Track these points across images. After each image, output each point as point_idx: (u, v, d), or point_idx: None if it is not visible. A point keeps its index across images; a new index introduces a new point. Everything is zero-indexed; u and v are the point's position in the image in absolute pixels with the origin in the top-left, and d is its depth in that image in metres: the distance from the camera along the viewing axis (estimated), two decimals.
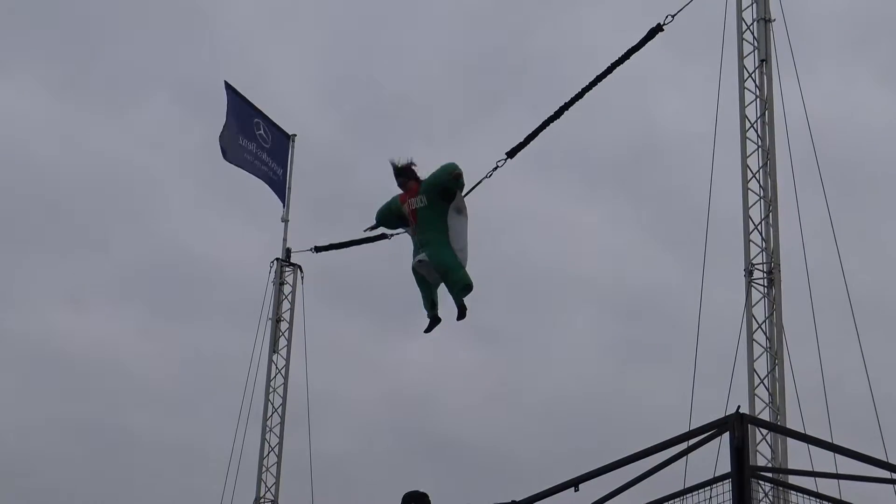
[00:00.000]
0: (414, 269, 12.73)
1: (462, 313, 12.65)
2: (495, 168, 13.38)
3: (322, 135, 33.30)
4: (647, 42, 14.71)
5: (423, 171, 12.85)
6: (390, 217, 13.04)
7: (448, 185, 12.40)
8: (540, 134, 13.90)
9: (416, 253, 12.65)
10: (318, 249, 20.85)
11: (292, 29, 37.55)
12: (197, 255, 34.64)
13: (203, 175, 34.01)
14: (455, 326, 33.60)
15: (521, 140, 13.94)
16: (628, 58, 14.67)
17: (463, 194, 12.61)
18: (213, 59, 35.27)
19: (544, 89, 35.20)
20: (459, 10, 36.53)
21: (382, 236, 14.95)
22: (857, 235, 29.32)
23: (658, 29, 14.88)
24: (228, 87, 21.42)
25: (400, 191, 12.94)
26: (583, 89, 14.37)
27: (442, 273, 12.50)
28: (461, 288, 12.49)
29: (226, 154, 21.10)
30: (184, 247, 34.83)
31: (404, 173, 12.63)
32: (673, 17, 14.85)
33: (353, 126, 36.22)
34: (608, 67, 14.56)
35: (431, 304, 12.88)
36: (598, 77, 14.45)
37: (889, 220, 33.12)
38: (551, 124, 14.31)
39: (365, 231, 13.70)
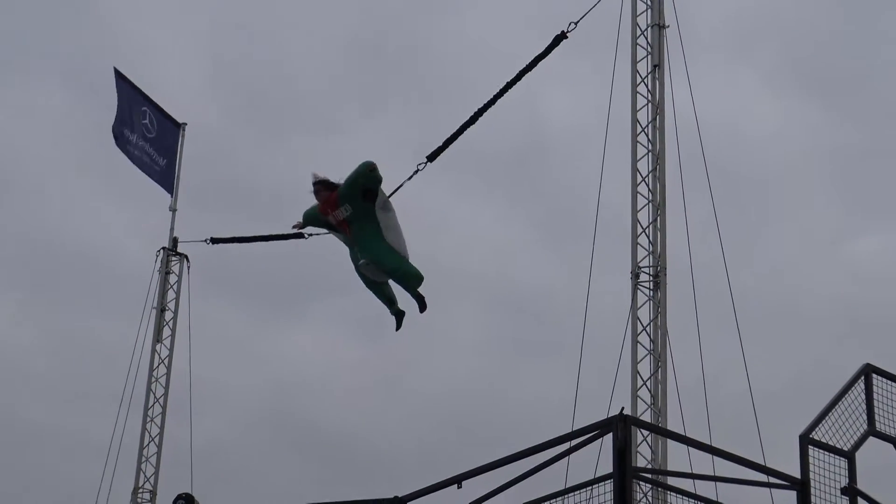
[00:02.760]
0: (360, 274, 12.70)
1: (422, 304, 12.64)
2: (416, 171, 13.35)
3: (207, 122, 33.03)
4: (552, 49, 14.82)
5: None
6: (317, 221, 13.01)
7: (367, 183, 12.32)
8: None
9: (355, 258, 12.62)
10: (214, 241, 20.59)
11: (178, 13, 37.18)
12: (80, 241, 34.23)
13: (88, 160, 33.54)
14: (338, 319, 33.46)
15: (440, 144, 13.97)
16: (536, 65, 14.76)
17: (388, 196, 12.57)
18: (101, 40, 34.92)
19: (429, 80, 35.39)
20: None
21: (298, 235, 14.88)
22: (742, 238, 29.78)
23: (562, 36, 14.96)
24: (118, 73, 21.15)
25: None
26: (495, 95, 14.45)
27: (389, 272, 12.53)
28: (412, 280, 12.49)
29: (117, 141, 20.90)
30: (65, 233, 34.40)
31: (320, 184, 12.54)
32: (576, 24, 14.92)
33: (238, 113, 36.04)
34: (517, 74, 14.65)
35: (389, 302, 12.90)
36: (508, 83, 14.54)
37: (772, 222, 33.67)
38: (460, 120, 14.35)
39: (293, 228, 13.58)
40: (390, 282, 12.80)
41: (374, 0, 36.22)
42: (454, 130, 14.18)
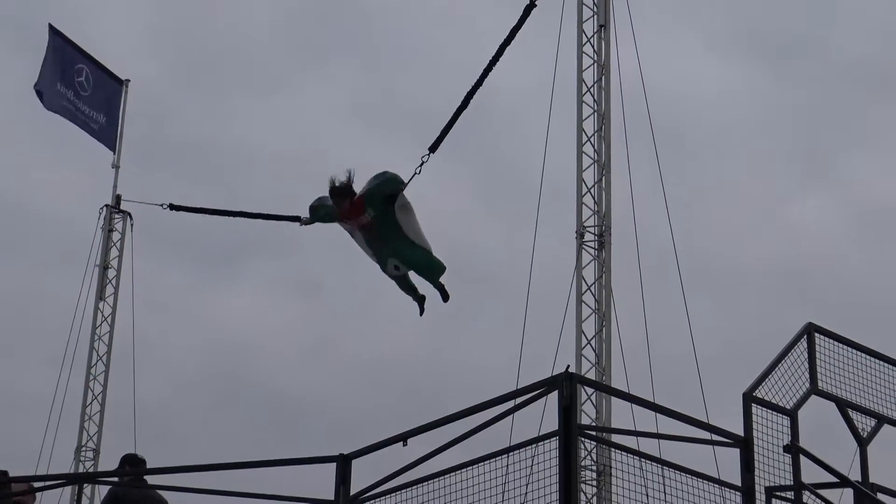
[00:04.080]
0: (389, 275, 13.00)
1: (445, 294, 12.99)
2: (421, 164, 13.28)
3: (147, 77, 32.74)
4: (524, 20, 14.74)
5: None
6: (327, 219, 13.02)
7: (393, 191, 12.54)
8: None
9: (382, 259, 12.85)
10: (173, 208, 20.32)
11: None
12: (19, 198, 33.91)
13: (29, 116, 33.19)
14: (277, 279, 33.32)
15: (439, 134, 13.94)
16: (513, 38, 14.70)
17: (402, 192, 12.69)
18: None
19: (372, 41, 35.23)
20: None
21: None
22: (686, 199, 29.91)
23: (532, 6, 14.90)
24: (52, 29, 20.87)
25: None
26: (481, 75, 14.37)
27: (416, 267, 12.83)
28: (437, 272, 12.83)
29: (43, 100, 20.65)
30: (4, 189, 34.07)
31: (341, 194, 12.54)
32: None
33: (179, 69, 35.75)
34: (498, 49, 14.57)
35: (411, 289, 13.16)
36: (491, 60, 14.45)
37: (716, 183, 33.86)
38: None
39: (301, 225, 13.62)
40: (411, 273, 13.03)
41: None
42: (450, 117, 14.13)
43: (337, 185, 12.57)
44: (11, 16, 35.01)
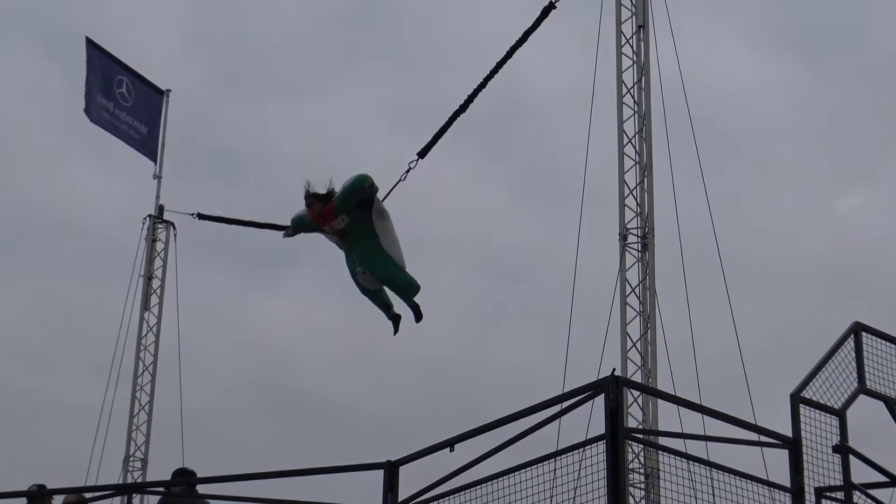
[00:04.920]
0: (356, 282, 12.64)
1: (418, 314, 12.59)
2: (408, 170, 13.29)
3: (187, 87, 32.91)
4: (542, 21, 14.72)
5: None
6: (307, 227, 12.92)
7: (364, 196, 12.22)
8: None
9: (352, 266, 12.56)
10: (200, 217, 20.45)
11: None
12: (64, 209, 34.14)
13: (69, 128, 33.40)
14: (319, 282, 33.33)
15: (430, 139, 13.90)
16: (526, 39, 14.67)
17: (382, 200, 12.53)
18: (76, 3, 34.75)
19: (408, 42, 35.27)
20: None
21: (278, 227, 14.88)
22: (728, 197, 29.80)
23: (551, 7, 14.91)
24: (90, 42, 20.97)
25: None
26: (485, 78, 14.32)
27: (385, 281, 12.49)
28: (408, 290, 12.46)
29: (89, 113, 20.77)
30: (49, 201, 34.29)
31: (313, 196, 12.44)
32: None
33: (217, 78, 35.90)
34: (508, 51, 14.55)
35: (386, 307, 12.83)
36: (498, 64, 14.42)
37: (757, 180, 33.71)
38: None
39: (284, 237, 13.34)
40: (385, 288, 12.77)
41: None
42: (443, 122, 14.09)
43: (310, 189, 12.41)
44: (50, 27, 35.33)
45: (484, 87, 14.16)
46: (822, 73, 35.19)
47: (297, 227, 12.96)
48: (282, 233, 13.52)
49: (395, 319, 12.83)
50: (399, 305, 12.71)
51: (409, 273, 12.46)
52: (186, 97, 31.08)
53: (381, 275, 12.40)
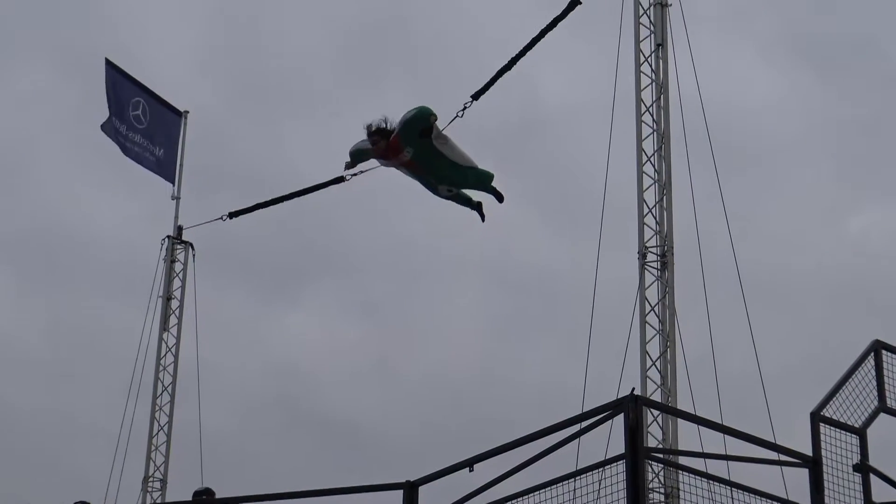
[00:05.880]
0: (443, 197, 13.47)
1: (499, 196, 13.45)
2: (464, 108, 13.73)
3: (203, 106, 32.98)
4: (567, 14, 14.87)
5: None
6: (365, 156, 13.44)
7: (425, 125, 12.81)
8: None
9: (433, 187, 13.30)
10: (232, 215, 20.35)
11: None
12: (83, 229, 34.24)
13: (87, 148, 33.49)
14: (338, 301, 33.19)
15: (485, 83, 14.33)
16: (554, 26, 14.84)
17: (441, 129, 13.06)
18: (94, 24, 34.87)
19: (425, 60, 35.32)
20: None
21: (333, 182, 15.29)
22: (747, 214, 29.73)
23: (576, 2, 14.98)
24: (109, 63, 21.03)
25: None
26: (524, 47, 14.68)
27: (468, 185, 13.32)
28: (487, 181, 13.27)
29: (107, 132, 20.85)
30: (69, 221, 34.41)
31: (377, 134, 12.86)
32: None
33: (233, 97, 35.99)
34: (539, 33, 14.84)
35: (466, 201, 13.61)
36: (532, 40, 14.79)
37: (776, 195, 33.63)
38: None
39: (345, 170, 14.00)
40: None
41: None
42: (495, 72, 14.41)
43: (374, 127, 12.93)
44: (68, 47, 35.45)
45: (524, 54, 14.56)
46: (839, 88, 35.15)
47: (357, 157, 13.61)
48: (342, 181, 14.13)
49: (479, 207, 13.66)
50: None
51: (482, 168, 13.23)
52: (203, 115, 31.17)
53: (462, 182, 13.24)
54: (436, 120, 12.76)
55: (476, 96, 14.11)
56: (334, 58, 35.96)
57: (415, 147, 12.80)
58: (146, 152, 21.22)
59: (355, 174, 14.24)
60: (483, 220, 13.70)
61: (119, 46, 31.62)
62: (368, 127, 12.94)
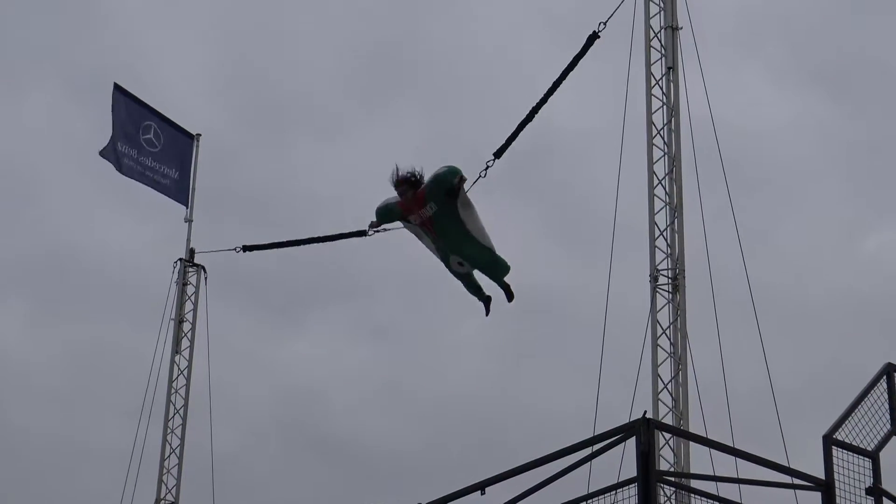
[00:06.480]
0: (449, 269, 13.10)
1: (510, 294, 13.17)
2: (486, 168, 13.56)
3: (214, 128, 33.07)
4: (587, 50, 15.00)
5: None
6: (393, 217, 13.17)
7: (453, 185, 12.54)
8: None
9: (444, 256, 12.97)
10: (246, 249, 20.43)
11: (184, 19, 37.22)
12: (96, 253, 34.32)
13: (98, 172, 33.53)
14: (347, 325, 33.29)
15: (504, 141, 14.34)
16: (575, 65, 14.96)
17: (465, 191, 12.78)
18: (107, 50, 34.98)
19: (436, 83, 35.39)
20: (353, 2, 36.53)
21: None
22: (758, 234, 29.70)
23: (595, 37, 15.11)
24: (118, 88, 21.06)
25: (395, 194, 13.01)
26: (546, 93, 14.73)
27: (479, 266, 12.97)
28: (500, 271, 13.00)
29: (111, 160, 20.86)
30: (81, 244, 34.50)
31: (405, 182, 12.64)
32: (605, 24, 15.05)
33: (243, 118, 36.07)
34: (561, 74, 14.92)
35: (476, 289, 13.30)
36: (555, 82, 14.86)
37: (787, 217, 33.61)
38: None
39: (370, 229, 13.84)
40: (475, 272, 13.13)
41: (376, 6, 36.35)
42: (514, 128, 14.45)
43: (401, 173, 12.65)
44: (79, 70, 35.57)
45: (545, 102, 14.57)
46: (850, 109, 35.14)
47: (383, 217, 13.30)
48: (364, 235, 14.00)
49: (487, 301, 13.33)
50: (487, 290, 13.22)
51: (500, 254, 12.88)
52: (214, 137, 31.26)
53: (473, 260, 12.85)
54: (464, 181, 12.52)
55: (498, 154, 14.04)
56: (345, 80, 36.08)
57: (439, 205, 12.55)
58: (158, 175, 21.25)
59: (378, 231, 14.10)
60: (487, 314, 13.38)
61: (130, 70, 31.80)
62: (395, 171, 12.67)
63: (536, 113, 14.58)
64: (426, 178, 12.61)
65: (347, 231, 16.48)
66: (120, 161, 20.70)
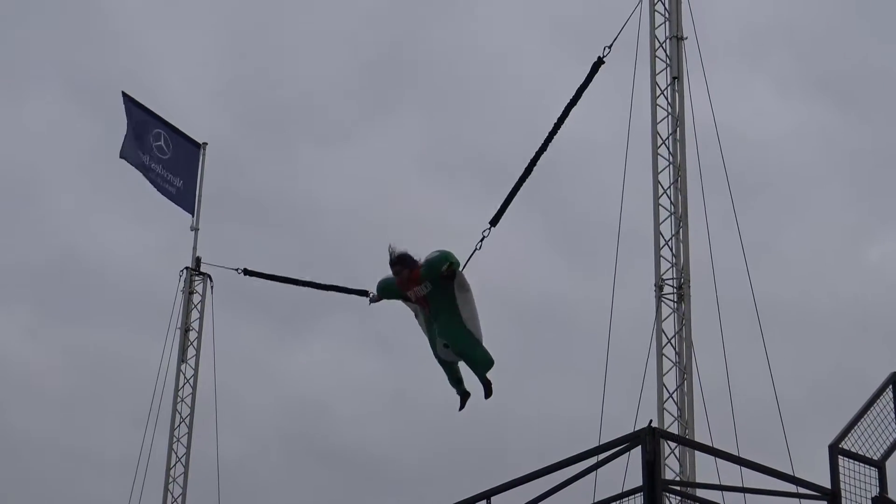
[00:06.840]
0: (434, 352, 12.89)
1: (488, 391, 12.87)
2: (482, 239, 13.55)
3: (220, 136, 33.13)
4: (593, 77, 15.08)
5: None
6: (393, 294, 13.06)
7: (440, 270, 12.42)
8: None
9: (433, 338, 12.80)
10: (247, 273, 20.50)
11: (187, 26, 37.26)
12: (101, 261, 34.37)
13: (105, 181, 33.62)
14: (354, 334, 33.37)
15: (499, 208, 14.31)
16: (580, 97, 15.03)
17: (461, 268, 12.68)
18: (115, 58, 35.07)
19: (439, 89, 35.43)
20: (355, 8, 36.58)
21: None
22: (762, 243, 29.70)
23: (600, 63, 15.19)
24: (126, 97, 21.15)
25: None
26: (545, 140, 14.71)
27: (462, 355, 12.73)
28: (483, 366, 12.73)
29: (126, 156, 21.01)
30: (87, 252, 34.54)
31: (400, 262, 12.60)
32: (609, 48, 15.10)
33: (248, 125, 36.12)
34: (564, 111, 14.95)
35: (457, 382, 13.10)
36: (556, 124, 14.86)
37: (792, 226, 33.61)
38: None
39: (370, 303, 13.63)
40: (460, 364, 12.93)
41: (379, 12, 36.40)
42: (510, 189, 14.49)
43: (396, 254, 12.58)
44: (86, 79, 35.64)
45: (545, 149, 14.56)
46: (855, 119, 35.17)
47: (383, 292, 13.18)
48: (367, 297, 13.85)
49: (464, 396, 13.11)
50: (469, 382, 12.95)
51: (485, 348, 12.66)
52: (220, 145, 31.30)
53: (459, 349, 12.62)
54: (453, 269, 12.38)
55: (493, 222, 14.02)
56: (348, 86, 36.11)
57: (434, 285, 12.46)
58: (166, 183, 21.33)
59: (378, 302, 14.01)
60: (461, 409, 13.19)
61: (134, 75, 31.93)
62: (391, 252, 12.60)
63: (535, 164, 14.57)
64: (423, 259, 12.54)
65: (350, 287, 16.68)
66: (140, 161, 20.85)
